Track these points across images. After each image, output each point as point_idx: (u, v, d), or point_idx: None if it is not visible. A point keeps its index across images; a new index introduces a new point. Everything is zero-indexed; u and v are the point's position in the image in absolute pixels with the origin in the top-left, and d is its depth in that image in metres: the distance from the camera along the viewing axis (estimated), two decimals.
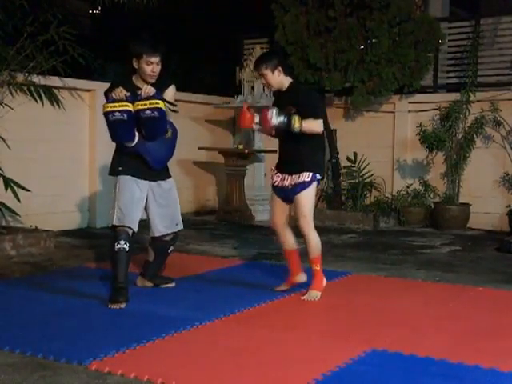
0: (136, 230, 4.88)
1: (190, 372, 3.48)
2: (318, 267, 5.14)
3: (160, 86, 4.88)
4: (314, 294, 5.09)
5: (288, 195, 5.15)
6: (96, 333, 4.12)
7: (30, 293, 5.09)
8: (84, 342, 3.89)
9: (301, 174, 5.04)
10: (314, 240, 5.15)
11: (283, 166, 5.16)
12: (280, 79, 5.06)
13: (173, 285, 5.34)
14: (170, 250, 5.26)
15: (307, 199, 5.11)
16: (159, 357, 3.69)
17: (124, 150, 4.87)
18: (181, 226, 5.22)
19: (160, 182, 5.00)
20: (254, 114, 5.09)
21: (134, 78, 4.91)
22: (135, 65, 4.83)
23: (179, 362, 3.64)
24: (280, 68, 5.03)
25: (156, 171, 4.96)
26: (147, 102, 4.73)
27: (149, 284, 5.28)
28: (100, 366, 3.50)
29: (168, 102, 4.86)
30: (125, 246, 4.75)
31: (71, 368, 3.50)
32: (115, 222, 4.82)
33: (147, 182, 4.92)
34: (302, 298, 5.08)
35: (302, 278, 5.26)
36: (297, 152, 5.03)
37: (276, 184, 5.18)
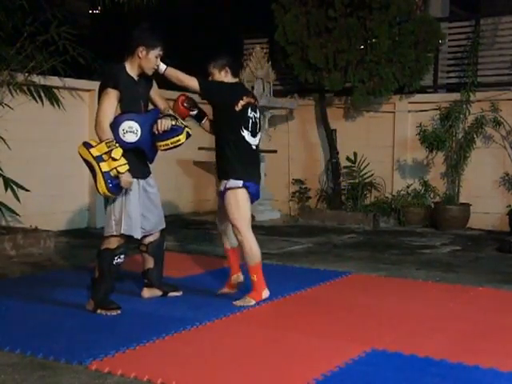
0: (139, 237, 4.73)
1: (189, 372, 3.48)
2: (254, 278, 4.88)
3: (147, 78, 4.71)
4: (248, 301, 4.85)
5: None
6: (96, 333, 4.12)
7: (30, 293, 5.08)
8: (84, 342, 3.89)
9: (227, 181, 4.88)
10: (247, 247, 4.85)
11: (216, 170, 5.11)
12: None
13: (180, 293, 5.09)
14: (164, 246, 5.08)
15: (233, 205, 4.84)
16: (159, 357, 3.69)
17: (123, 147, 4.48)
18: (164, 223, 5.00)
19: (148, 178, 4.81)
20: (188, 107, 4.93)
21: (127, 69, 4.61)
22: (140, 54, 4.54)
23: (179, 361, 3.64)
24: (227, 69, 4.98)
25: (147, 167, 4.80)
26: (168, 141, 4.59)
27: (158, 293, 5.01)
28: (100, 366, 3.50)
29: (177, 118, 4.72)
30: (123, 260, 4.62)
31: (71, 368, 3.50)
32: (124, 231, 4.54)
33: (141, 180, 4.71)
34: (234, 303, 4.83)
35: (239, 277, 5.18)
36: (218, 155, 4.97)
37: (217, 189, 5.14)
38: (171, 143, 4.62)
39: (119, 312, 4.53)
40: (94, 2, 8.13)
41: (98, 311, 4.52)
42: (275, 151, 10.13)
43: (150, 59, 4.60)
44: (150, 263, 4.97)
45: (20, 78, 7.38)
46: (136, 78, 4.65)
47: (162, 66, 4.71)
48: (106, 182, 4.39)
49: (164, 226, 4.98)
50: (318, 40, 9.80)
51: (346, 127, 10.50)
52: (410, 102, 10.12)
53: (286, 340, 4.08)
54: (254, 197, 4.98)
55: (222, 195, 4.95)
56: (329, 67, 9.77)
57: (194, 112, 5.01)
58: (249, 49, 11.00)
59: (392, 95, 9.98)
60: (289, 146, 10.97)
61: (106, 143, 4.39)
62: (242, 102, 4.87)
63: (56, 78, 8.05)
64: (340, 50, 9.66)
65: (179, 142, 4.65)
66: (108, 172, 4.38)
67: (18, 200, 6.97)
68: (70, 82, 8.37)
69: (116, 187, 4.44)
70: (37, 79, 7.67)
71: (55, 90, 7.91)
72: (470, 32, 9.99)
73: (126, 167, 4.40)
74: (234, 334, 4.18)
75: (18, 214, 7.24)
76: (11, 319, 4.41)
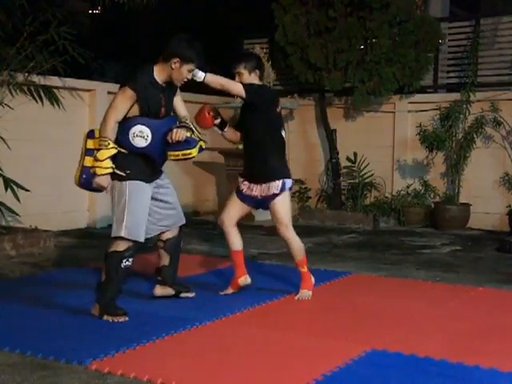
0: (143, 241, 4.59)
1: (189, 372, 3.48)
2: (304, 269, 5.18)
3: (173, 84, 4.59)
4: (306, 293, 5.14)
5: (259, 204, 5.17)
6: (96, 333, 4.12)
7: (30, 293, 5.08)
8: (84, 342, 3.89)
9: (270, 185, 4.98)
10: (297, 244, 5.14)
11: (250, 175, 5.10)
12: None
13: (193, 295, 5.04)
14: (181, 244, 5.01)
15: (283, 206, 5.04)
16: (159, 357, 3.69)
17: (131, 150, 4.43)
18: (184, 219, 4.95)
19: (158, 180, 4.71)
20: (213, 115, 4.99)
21: (155, 73, 4.48)
22: (173, 65, 4.42)
23: (179, 361, 3.64)
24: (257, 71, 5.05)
25: (156, 169, 4.67)
26: (180, 153, 4.51)
27: (171, 291, 4.95)
28: (100, 366, 3.50)
29: (197, 130, 4.64)
30: (131, 263, 4.49)
31: (71, 368, 3.50)
32: (124, 234, 4.41)
33: (151, 184, 4.61)
34: (296, 297, 5.11)
35: (247, 280, 5.20)
36: (262, 159, 5.00)
37: (243, 192, 5.11)
38: (182, 155, 4.54)
39: (127, 319, 4.39)
40: (94, 2, 8.13)
41: (105, 317, 4.40)
42: None
43: (182, 72, 4.48)
44: (166, 260, 4.90)
45: (20, 78, 7.38)
46: (162, 83, 4.52)
47: (201, 74, 4.67)
48: (80, 175, 4.49)
49: (183, 222, 4.94)
50: (317, 40, 9.80)
51: (346, 127, 10.50)
52: (409, 102, 10.12)
53: (286, 340, 4.08)
54: None
55: (271, 198, 4.99)
56: (329, 67, 9.77)
57: (218, 120, 5.06)
58: (249, 49, 10.99)
59: (392, 95, 9.98)
60: (289, 145, 10.89)
61: (100, 141, 4.36)
62: (280, 104, 5.12)
63: (56, 78, 8.05)
64: (340, 50, 9.66)
65: (190, 156, 4.57)
66: (87, 167, 4.43)
67: (18, 200, 6.97)
68: (70, 81, 8.38)
69: (88, 184, 4.48)
70: (37, 79, 7.67)
71: (55, 90, 7.91)
72: (470, 32, 9.99)
73: (105, 171, 4.36)
74: (234, 334, 4.19)
75: (17, 214, 7.24)
76: (11, 319, 4.40)
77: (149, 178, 4.57)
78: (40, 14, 7.22)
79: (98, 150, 4.36)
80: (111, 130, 4.38)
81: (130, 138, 4.42)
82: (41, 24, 7.22)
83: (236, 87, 4.88)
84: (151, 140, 4.43)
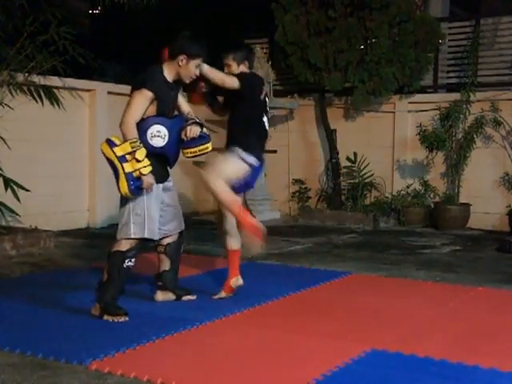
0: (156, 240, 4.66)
1: (189, 372, 3.48)
2: (243, 217, 4.73)
3: (179, 85, 4.66)
4: (255, 244, 4.85)
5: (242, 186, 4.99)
6: (96, 333, 4.12)
7: (30, 293, 5.08)
8: (84, 342, 3.89)
9: (231, 148, 4.89)
10: (223, 193, 4.74)
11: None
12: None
13: (194, 297, 5.00)
14: (182, 249, 4.98)
15: (225, 159, 4.83)
16: (159, 357, 3.69)
17: (148, 151, 4.37)
18: (184, 225, 4.94)
19: (167, 181, 4.72)
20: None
21: (165, 72, 4.53)
22: (181, 63, 4.48)
23: (179, 362, 3.64)
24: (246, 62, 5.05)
25: (167, 171, 4.69)
26: (197, 149, 4.57)
27: (172, 296, 4.91)
28: (100, 366, 3.50)
29: (205, 125, 4.69)
30: (133, 263, 4.49)
31: (71, 368, 3.50)
32: (147, 235, 4.48)
33: (160, 184, 4.61)
34: (246, 255, 4.96)
35: (238, 281, 5.07)
36: (230, 131, 5.00)
37: None
38: (199, 150, 4.60)
39: (127, 319, 4.39)
40: (94, 2, 8.13)
41: (105, 317, 4.38)
42: (275, 151, 10.12)
43: (190, 68, 4.53)
44: (166, 265, 4.86)
45: (20, 78, 7.38)
46: (171, 81, 4.57)
47: (203, 67, 4.67)
48: (128, 183, 4.31)
49: (183, 227, 4.91)
50: (317, 40, 9.81)
51: (346, 127, 10.50)
52: (410, 102, 10.13)
53: (286, 340, 4.07)
54: (254, 176, 4.96)
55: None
56: (329, 67, 9.78)
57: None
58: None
59: (392, 95, 9.99)
60: (289, 146, 10.97)
61: (131, 143, 4.30)
62: (263, 91, 5.02)
63: (56, 78, 8.05)
64: (340, 49, 9.67)
65: (207, 150, 4.63)
66: (131, 173, 4.30)
67: (18, 200, 6.97)
68: (70, 81, 8.38)
69: (137, 188, 4.37)
70: (37, 79, 7.67)
71: (55, 90, 7.91)
72: (470, 32, 10.00)
73: (149, 169, 4.33)
74: (234, 334, 4.18)
75: (18, 214, 7.24)
76: (11, 319, 4.40)
77: (162, 179, 4.60)
78: (40, 14, 7.22)
79: (134, 152, 4.29)
80: (135, 131, 4.37)
81: (148, 139, 4.42)
82: (41, 24, 7.22)
83: (232, 80, 4.82)
84: (168, 139, 4.46)
